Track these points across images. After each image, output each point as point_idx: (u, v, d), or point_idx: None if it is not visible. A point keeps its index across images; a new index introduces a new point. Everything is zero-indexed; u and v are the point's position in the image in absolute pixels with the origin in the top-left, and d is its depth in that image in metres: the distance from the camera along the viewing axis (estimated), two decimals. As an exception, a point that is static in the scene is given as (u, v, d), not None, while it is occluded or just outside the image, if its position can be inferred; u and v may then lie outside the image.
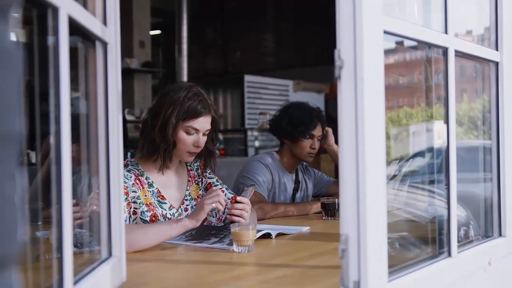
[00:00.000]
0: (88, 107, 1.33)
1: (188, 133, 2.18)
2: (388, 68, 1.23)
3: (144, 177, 2.22)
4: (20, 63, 0.57)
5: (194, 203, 2.34)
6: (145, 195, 2.18)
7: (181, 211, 2.28)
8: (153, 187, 2.22)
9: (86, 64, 1.30)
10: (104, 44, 1.32)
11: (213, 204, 1.97)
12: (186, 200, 2.33)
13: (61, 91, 0.98)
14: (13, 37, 0.57)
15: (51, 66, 0.98)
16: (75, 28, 1.09)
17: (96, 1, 1.30)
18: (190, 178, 2.38)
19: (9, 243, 0.54)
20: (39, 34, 1.03)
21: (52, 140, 0.99)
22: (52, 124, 0.98)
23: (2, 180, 0.53)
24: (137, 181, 2.17)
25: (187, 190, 2.34)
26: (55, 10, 0.97)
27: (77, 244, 1.27)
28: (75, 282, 1.06)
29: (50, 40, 0.99)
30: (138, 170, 2.21)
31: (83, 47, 1.28)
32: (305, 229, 2.33)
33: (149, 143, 2.19)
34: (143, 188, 2.18)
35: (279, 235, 2.17)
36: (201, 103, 2.18)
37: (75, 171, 1.04)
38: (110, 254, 1.34)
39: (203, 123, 2.20)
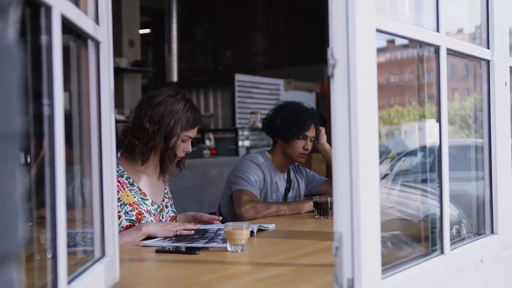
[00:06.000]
0: (79, 106, 1.32)
1: (184, 141, 2.28)
2: (379, 66, 1.23)
3: (125, 177, 2.26)
4: (20, 61, 0.57)
5: (171, 202, 2.45)
6: (127, 195, 2.22)
7: (163, 207, 2.37)
8: (134, 186, 2.27)
9: (78, 63, 1.29)
10: (97, 43, 1.31)
11: (177, 232, 2.11)
12: (166, 197, 2.42)
13: (54, 90, 0.97)
14: (13, 35, 0.57)
15: (44, 65, 0.98)
16: (67, 27, 1.08)
17: (88, 0, 1.29)
18: (166, 179, 2.46)
19: (11, 241, 0.54)
20: (31, 33, 1.02)
21: (45, 140, 0.98)
22: (45, 124, 0.97)
23: (3, 178, 0.53)
24: (117, 183, 2.18)
25: (166, 189, 2.44)
26: (48, 8, 0.96)
27: (69, 244, 1.27)
28: (69, 282, 1.05)
29: (43, 38, 0.98)
30: (117, 172, 2.22)
31: (75, 46, 1.28)
32: (271, 226, 2.35)
33: (149, 150, 2.24)
34: (124, 189, 2.21)
35: (259, 231, 2.21)
36: (198, 113, 2.31)
37: (67, 172, 1.04)
38: (103, 253, 1.33)
39: (196, 131, 2.34)
